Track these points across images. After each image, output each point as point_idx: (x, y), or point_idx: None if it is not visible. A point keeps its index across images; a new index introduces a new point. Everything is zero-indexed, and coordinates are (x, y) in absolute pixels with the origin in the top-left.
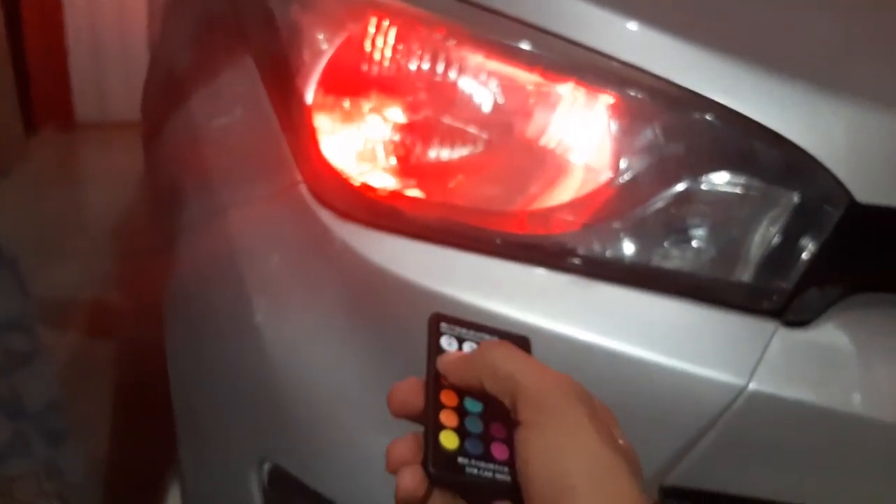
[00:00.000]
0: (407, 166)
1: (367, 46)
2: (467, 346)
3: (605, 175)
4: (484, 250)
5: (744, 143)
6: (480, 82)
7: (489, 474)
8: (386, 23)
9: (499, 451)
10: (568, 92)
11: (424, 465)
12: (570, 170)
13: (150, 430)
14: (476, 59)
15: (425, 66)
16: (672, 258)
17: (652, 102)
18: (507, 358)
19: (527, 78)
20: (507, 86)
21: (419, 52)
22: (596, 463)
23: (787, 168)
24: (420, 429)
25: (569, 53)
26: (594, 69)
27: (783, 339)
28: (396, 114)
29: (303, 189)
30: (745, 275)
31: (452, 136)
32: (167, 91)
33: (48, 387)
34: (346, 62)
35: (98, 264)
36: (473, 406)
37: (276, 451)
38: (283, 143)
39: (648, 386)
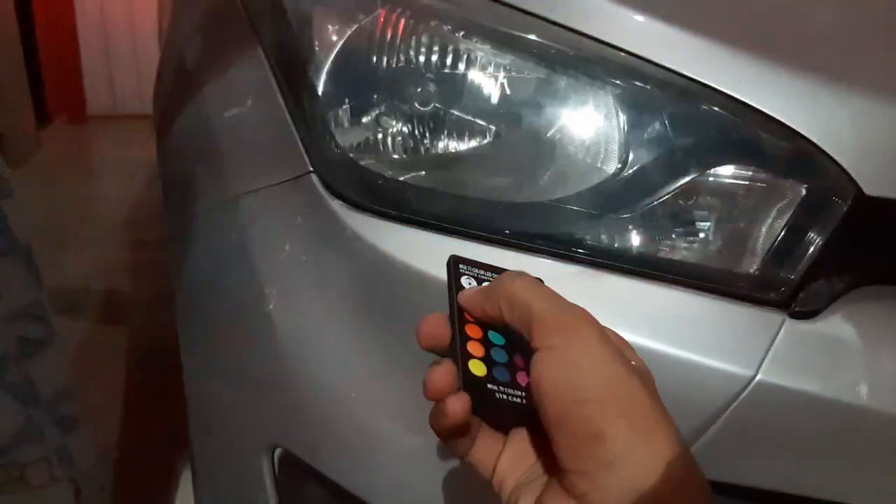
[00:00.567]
0: (416, 157)
1: (377, 38)
2: (485, 285)
3: (613, 166)
4: (493, 241)
5: (751, 134)
6: (489, 74)
7: (516, 400)
8: (396, 14)
9: (522, 378)
10: (576, 83)
11: (459, 389)
12: (578, 161)
13: (161, 417)
14: (485, 50)
15: (434, 57)
16: (679, 249)
17: (660, 94)
18: (522, 287)
19: (535, 69)
20: (516, 78)
21: (428, 44)
22: (608, 376)
23: (794, 160)
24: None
25: (577, 45)
26: (602, 61)
27: (790, 330)
28: (406, 105)
29: (314, 179)
30: (753, 266)
31: (461, 128)
32: (178, 82)
33: (61, 374)
34: (356, 53)
35: (110, 254)
36: (497, 339)
37: (287, 437)
38: (293, 134)
39: (656, 376)
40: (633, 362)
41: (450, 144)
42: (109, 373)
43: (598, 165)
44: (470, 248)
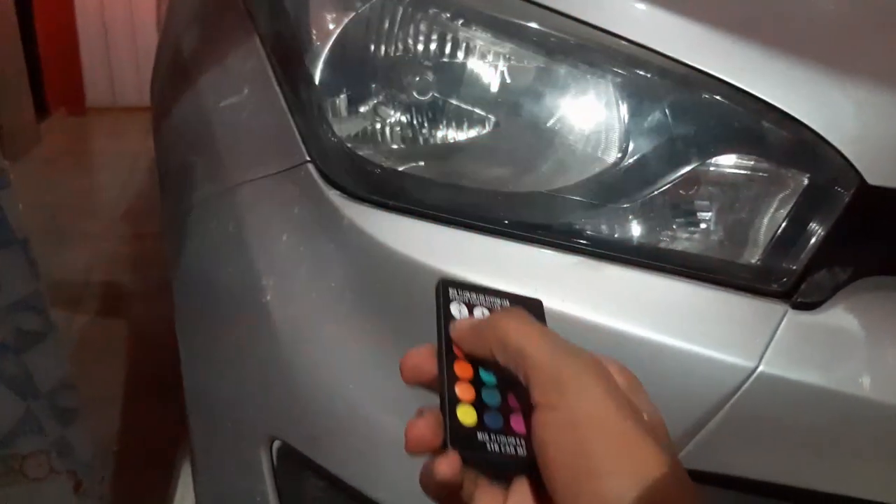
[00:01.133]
0: (415, 147)
1: (375, 26)
2: (478, 312)
3: (614, 156)
4: (492, 231)
5: (753, 123)
6: (488, 63)
7: (511, 450)
8: (393, 2)
9: (517, 423)
10: (575, 72)
11: (444, 444)
12: (578, 150)
13: (160, 409)
14: (484, 38)
15: (433, 46)
16: (680, 239)
17: (660, 82)
18: (517, 330)
19: (535, 58)
20: (515, 66)
21: (427, 33)
22: (617, 440)
23: (796, 149)
24: (432, 399)
25: (577, 33)
26: (602, 49)
27: (792, 321)
28: (404, 94)
29: (311, 168)
30: (754, 257)
31: (460, 117)
32: (175, 72)
33: (60, 366)
34: (353, 42)
35: (109, 246)
36: (488, 378)
37: (286, 429)
38: (290, 123)
39: (657, 367)
40: (644, 414)
41: (448, 134)
42: (109, 365)
43: (599, 155)
44: (468, 238)
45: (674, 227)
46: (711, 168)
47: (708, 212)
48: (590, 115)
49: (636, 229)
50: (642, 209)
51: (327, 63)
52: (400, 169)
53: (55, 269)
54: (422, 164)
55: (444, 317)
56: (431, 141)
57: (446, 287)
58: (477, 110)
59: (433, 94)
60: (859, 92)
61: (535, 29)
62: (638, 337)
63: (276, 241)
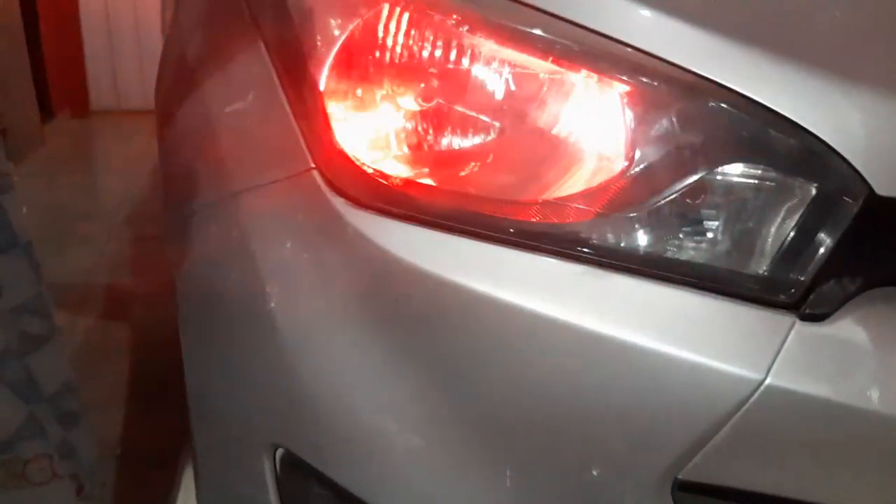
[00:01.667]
0: (419, 154)
1: (380, 33)
2: None
3: (620, 164)
4: (497, 239)
5: (761, 132)
6: (493, 70)
7: None
8: (399, 9)
9: None
10: (581, 80)
11: None
12: (584, 159)
13: (163, 413)
14: (489, 46)
15: (438, 52)
16: (687, 249)
17: (667, 90)
18: None
19: (540, 65)
20: (521, 73)
21: (432, 39)
22: None
23: (804, 158)
24: None
25: (582, 40)
26: (608, 56)
27: (801, 333)
28: (409, 101)
29: (315, 176)
30: (762, 267)
31: (465, 124)
32: (180, 77)
33: (63, 369)
34: (358, 48)
35: (113, 249)
36: None
37: (289, 437)
38: (295, 130)
39: (664, 378)
40: None
41: (454, 141)
42: (111, 368)
43: (604, 163)
44: (474, 246)
45: (680, 236)
46: (718, 177)
47: (715, 221)
48: (596, 123)
49: (642, 239)
50: (649, 218)
51: (332, 69)
52: (405, 176)
53: (57, 272)
54: (427, 170)
55: None
56: (436, 148)
57: None
58: (482, 117)
59: (438, 101)
60: (868, 100)
61: (541, 36)
62: (644, 348)
63: (280, 248)
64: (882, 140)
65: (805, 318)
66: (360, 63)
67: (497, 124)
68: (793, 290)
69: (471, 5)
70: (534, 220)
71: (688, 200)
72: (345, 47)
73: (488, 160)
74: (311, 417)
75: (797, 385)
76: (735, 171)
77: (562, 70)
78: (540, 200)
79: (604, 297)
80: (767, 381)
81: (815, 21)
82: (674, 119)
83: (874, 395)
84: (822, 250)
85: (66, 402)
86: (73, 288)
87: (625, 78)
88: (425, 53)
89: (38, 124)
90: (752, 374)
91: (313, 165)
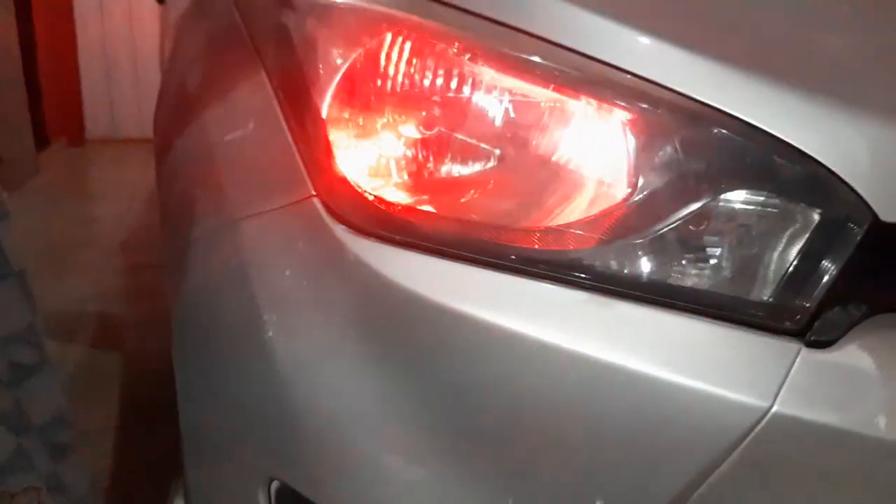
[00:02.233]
0: (421, 181)
1: (382, 61)
2: None
3: (622, 191)
4: (498, 266)
5: (764, 159)
6: (495, 98)
7: None
8: (401, 38)
9: None
10: (583, 107)
11: None
12: (586, 186)
13: (155, 445)
14: (490, 74)
15: (439, 81)
16: (691, 276)
17: (669, 117)
18: None
19: (541, 93)
20: (522, 101)
21: (433, 68)
22: None
23: (808, 185)
24: None
25: (584, 68)
26: (610, 84)
27: (806, 359)
28: (410, 129)
29: (316, 203)
30: (766, 294)
31: (466, 152)
32: (179, 105)
33: (54, 400)
34: (360, 77)
35: (107, 277)
36: None
37: (285, 469)
38: (296, 157)
39: (668, 407)
40: None
41: (455, 168)
42: (104, 397)
43: (607, 190)
44: (475, 274)
45: (684, 262)
46: (722, 204)
47: (719, 248)
48: (598, 151)
49: (646, 266)
50: (652, 245)
51: (335, 97)
52: (406, 203)
53: (52, 300)
54: (428, 198)
55: None
56: (438, 175)
57: None
58: (483, 145)
59: (440, 129)
60: (872, 127)
61: (542, 64)
62: (648, 376)
63: (279, 276)
64: (886, 166)
65: (811, 344)
66: (363, 91)
67: (498, 152)
68: (798, 317)
69: (472, 34)
70: (536, 247)
71: (691, 227)
72: (347, 76)
73: (489, 187)
74: (309, 449)
75: (804, 412)
76: (739, 198)
77: (563, 98)
78: (542, 227)
79: (607, 324)
80: (774, 408)
81: (818, 47)
82: (677, 146)
83: (881, 422)
84: (826, 277)
85: (57, 433)
86: (68, 316)
87: (627, 105)
88: (427, 82)
89: (34, 153)
90: (759, 402)
91: (314, 193)
